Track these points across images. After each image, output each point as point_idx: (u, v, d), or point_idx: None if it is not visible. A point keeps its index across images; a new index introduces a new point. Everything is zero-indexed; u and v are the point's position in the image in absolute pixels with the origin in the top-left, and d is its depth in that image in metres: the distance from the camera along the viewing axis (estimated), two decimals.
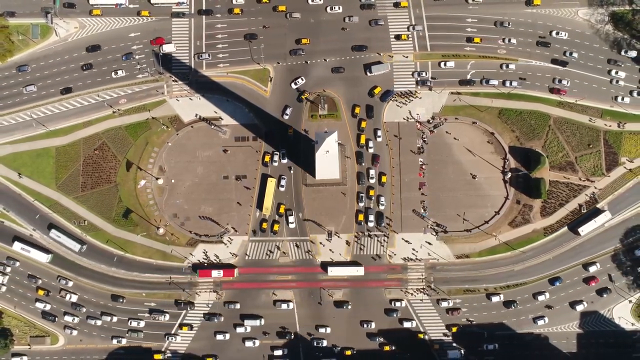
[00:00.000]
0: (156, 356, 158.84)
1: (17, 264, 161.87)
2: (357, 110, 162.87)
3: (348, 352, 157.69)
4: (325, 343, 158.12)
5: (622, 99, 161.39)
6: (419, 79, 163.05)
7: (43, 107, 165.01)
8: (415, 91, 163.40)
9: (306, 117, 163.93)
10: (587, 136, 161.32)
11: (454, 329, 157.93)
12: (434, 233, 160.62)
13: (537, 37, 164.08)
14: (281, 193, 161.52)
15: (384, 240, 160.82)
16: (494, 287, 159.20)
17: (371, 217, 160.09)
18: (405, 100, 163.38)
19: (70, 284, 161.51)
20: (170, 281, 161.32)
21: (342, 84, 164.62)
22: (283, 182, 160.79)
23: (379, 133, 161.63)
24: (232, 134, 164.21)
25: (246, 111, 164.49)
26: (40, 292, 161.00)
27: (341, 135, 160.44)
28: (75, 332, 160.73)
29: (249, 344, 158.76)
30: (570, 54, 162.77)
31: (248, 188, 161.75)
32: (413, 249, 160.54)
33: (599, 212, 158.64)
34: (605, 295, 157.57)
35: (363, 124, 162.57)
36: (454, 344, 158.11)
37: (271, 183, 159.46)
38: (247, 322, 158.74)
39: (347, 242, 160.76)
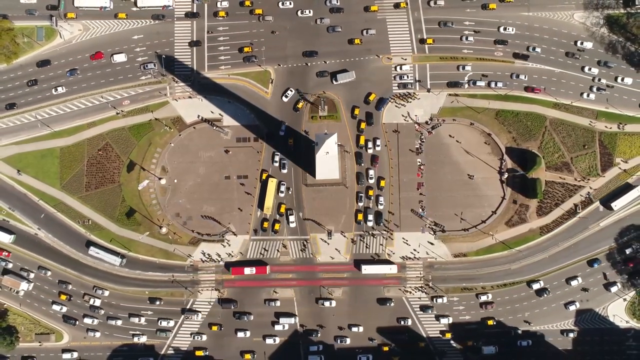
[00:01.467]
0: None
1: (49, 273, 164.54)
2: (356, 111, 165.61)
3: (386, 348, 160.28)
4: (349, 341, 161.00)
5: (588, 95, 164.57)
6: (400, 81, 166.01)
7: (48, 108, 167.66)
8: (414, 93, 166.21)
9: (306, 118, 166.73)
10: (582, 137, 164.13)
11: (490, 322, 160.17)
12: (432, 232, 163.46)
13: (533, 41, 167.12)
14: (281, 195, 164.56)
15: (388, 238, 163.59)
16: (491, 285, 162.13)
17: (370, 217, 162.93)
18: (404, 102, 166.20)
19: (107, 293, 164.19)
20: (172, 279, 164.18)
21: (341, 86, 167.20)
22: (283, 188, 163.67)
23: (378, 142, 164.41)
24: (234, 134, 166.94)
25: (247, 112, 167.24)
26: (63, 297, 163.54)
27: (341, 136, 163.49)
28: (98, 334, 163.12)
29: (269, 340, 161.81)
30: (534, 48, 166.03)
31: (249, 193, 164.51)
32: (411, 248, 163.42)
33: (630, 187, 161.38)
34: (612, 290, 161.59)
35: (362, 125, 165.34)
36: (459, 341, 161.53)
37: (272, 183, 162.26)
38: (282, 320, 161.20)
39: (353, 241, 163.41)
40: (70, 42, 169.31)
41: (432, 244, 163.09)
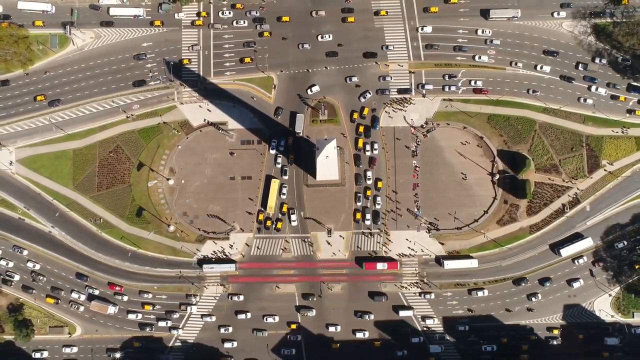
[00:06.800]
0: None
1: (150, 295, 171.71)
2: (355, 115, 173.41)
3: (504, 340, 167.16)
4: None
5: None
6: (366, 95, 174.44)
7: (61, 112, 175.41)
8: (410, 98, 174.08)
9: (307, 122, 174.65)
10: (570, 140, 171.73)
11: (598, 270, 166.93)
12: (427, 231, 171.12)
13: (524, 48, 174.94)
14: (283, 194, 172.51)
15: (385, 236, 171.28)
16: (483, 281, 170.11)
17: (368, 216, 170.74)
18: (400, 107, 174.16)
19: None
20: (180, 275, 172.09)
21: (341, 91, 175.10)
22: (284, 190, 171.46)
23: (376, 145, 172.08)
24: (238, 137, 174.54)
25: (251, 116, 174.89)
26: (147, 307, 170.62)
27: (340, 139, 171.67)
28: (181, 332, 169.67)
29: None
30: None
31: (250, 213, 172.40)
32: (407, 246, 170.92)
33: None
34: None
35: (361, 129, 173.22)
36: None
37: (275, 184, 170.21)
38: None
39: (367, 235, 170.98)
40: (82, 50, 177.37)
41: (423, 241, 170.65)
